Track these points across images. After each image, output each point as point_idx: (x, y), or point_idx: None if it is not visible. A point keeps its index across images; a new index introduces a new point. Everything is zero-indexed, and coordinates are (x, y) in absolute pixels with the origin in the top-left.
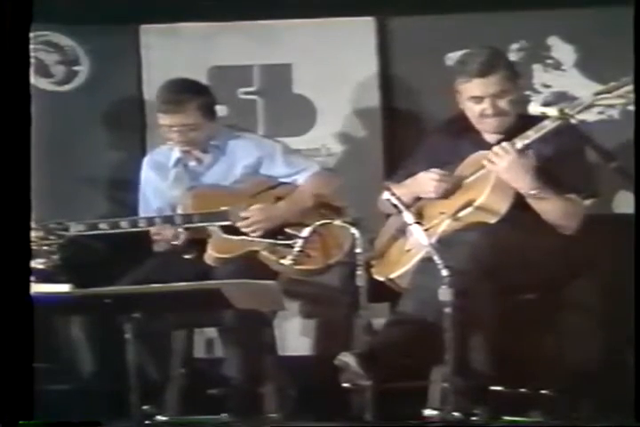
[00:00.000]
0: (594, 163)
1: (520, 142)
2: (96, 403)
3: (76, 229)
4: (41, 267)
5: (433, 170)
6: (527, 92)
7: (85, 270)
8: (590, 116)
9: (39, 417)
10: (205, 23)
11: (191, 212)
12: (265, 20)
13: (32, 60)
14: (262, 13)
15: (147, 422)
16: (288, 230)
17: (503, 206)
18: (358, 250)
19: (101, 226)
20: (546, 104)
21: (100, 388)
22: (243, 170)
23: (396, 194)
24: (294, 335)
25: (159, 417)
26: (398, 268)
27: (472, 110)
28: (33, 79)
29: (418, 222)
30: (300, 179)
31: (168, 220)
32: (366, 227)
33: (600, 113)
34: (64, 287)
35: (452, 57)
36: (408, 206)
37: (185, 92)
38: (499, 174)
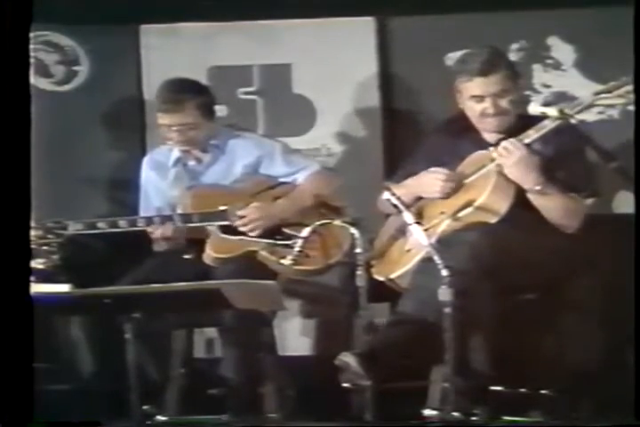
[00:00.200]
0: (594, 163)
1: (527, 140)
2: (96, 403)
3: (74, 227)
4: (41, 267)
5: (438, 169)
6: (527, 92)
7: (85, 270)
8: (590, 116)
9: (39, 417)
10: (205, 23)
11: (190, 211)
12: (265, 20)
13: (32, 60)
14: (262, 13)
15: (147, 422)
16: (287, 230)
17: (503, 206)
18: (358, 250)
19: (100, 225)
20: (546, 104)
21: (100, 388)
22: (242, 169)
23: (395, 194)
24: (294, 335)
25: (159, 417)
26: (398, 268)
27: (473, 110)
28: (33, 79)
29: (418, 222)
30: (300, 178)
31: (167, 219)
32: (366, 227)
33: (600, 113)
34: (64, 287)
35: (452, 57)
36: (408, 206)
37: (184, 92)
38: (507, 169)
